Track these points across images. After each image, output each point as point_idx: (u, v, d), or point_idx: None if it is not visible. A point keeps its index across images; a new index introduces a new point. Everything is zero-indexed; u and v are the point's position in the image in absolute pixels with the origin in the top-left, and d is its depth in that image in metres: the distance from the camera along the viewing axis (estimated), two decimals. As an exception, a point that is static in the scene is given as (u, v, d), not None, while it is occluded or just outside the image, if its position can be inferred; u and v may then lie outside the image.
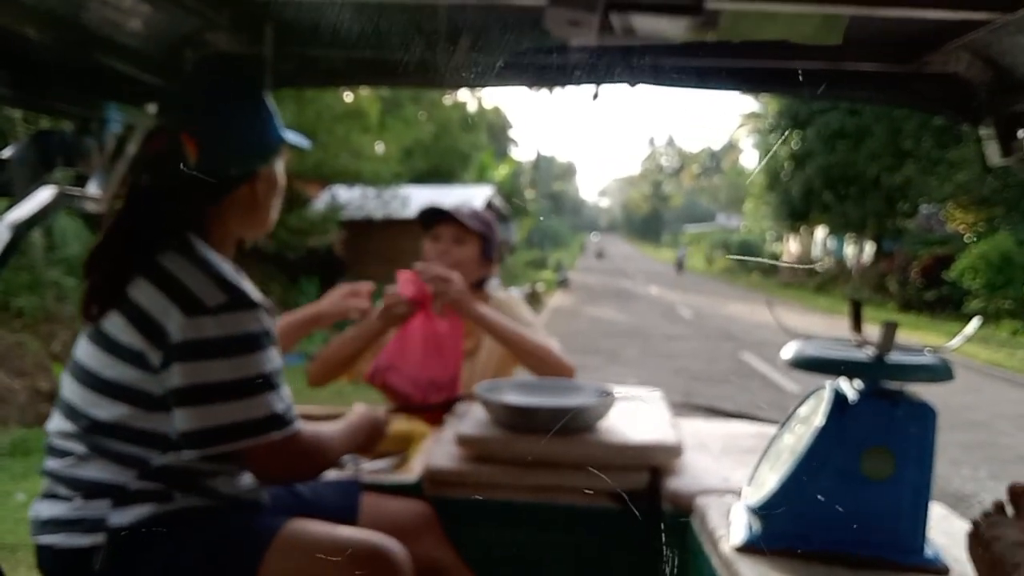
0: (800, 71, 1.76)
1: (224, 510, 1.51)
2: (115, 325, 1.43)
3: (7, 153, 1.51)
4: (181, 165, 1.46)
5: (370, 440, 1.79)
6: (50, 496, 1.47)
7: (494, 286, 2.68)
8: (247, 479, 1.56)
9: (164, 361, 1.38)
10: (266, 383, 1.41)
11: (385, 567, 1.46)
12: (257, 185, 1.58)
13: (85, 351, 1.49)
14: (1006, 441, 8.08)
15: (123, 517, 1.41)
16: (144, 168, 1.57)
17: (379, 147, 17.13)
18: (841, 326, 1.51)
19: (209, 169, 1.48)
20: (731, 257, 43.96)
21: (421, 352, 2.33)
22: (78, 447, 1.45)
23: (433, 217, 2.56)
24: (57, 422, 1.50)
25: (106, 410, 1.42)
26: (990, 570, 1.19)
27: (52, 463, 1.48)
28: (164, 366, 1.38)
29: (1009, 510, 1.20)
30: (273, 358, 1.45)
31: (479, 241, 2.54)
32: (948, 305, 21.38)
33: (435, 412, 2.27)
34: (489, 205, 22.84)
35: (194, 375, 1.38)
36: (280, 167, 1.65)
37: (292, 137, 1.66)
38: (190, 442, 1.41)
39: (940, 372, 1.32)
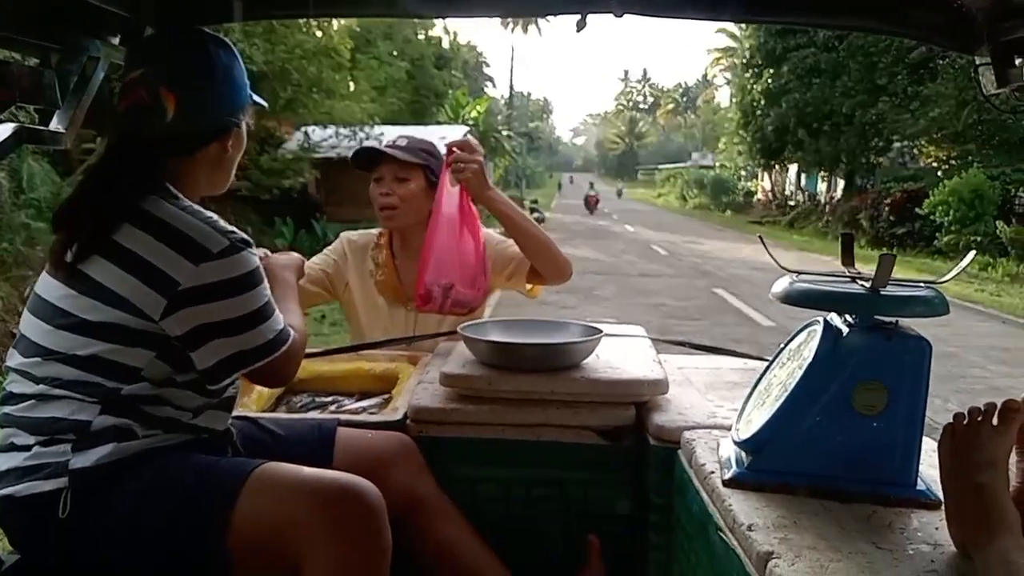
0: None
1: (192, 448, 1.51)
2: (102, 270, 1.42)
3: None
4: (162, 119, 1.50)
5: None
6: (7, 447, 1.43)
7: None
8: (213, 414, 1.57)
9: (169, 307, 1.41)
10: (267, 310, 1.51)
11: (357, 506, 1.44)
12: (228, 142, 1.62)
13: (56, 293, 1.45)
14: (976, 372, 8.25)
15: (85, 459, 1.38)
16: (123, 119, 1.55)
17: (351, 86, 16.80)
18: (813, 261, 1.49)
19: (187, 124, 1.53)
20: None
21: (459, 248, 2.28)
22: (38, 387, 1.42)
23: (368, 159, 2.46)
24: (17, 359, 1.48)
25: (83, 348, 1.41)
26: (950, 472, 1.20)
27: (8, 408, 1.45)
28: (169, 311, 1.41)
29: (995, 420, 1.20)
30: (267, 287, 1.53)
31: (423, 172, 2.43)
32: (920, 240, 21.64)
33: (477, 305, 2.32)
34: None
35: (205, 316, 1.43)
36: (244, 125, 1.68)
37: (256, 97, 1.71)
38: (212, 376, 1.48)
39: (937, 305, 1.31)
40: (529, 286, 2.50)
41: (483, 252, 2.33)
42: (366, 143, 16.17)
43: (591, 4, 1.66)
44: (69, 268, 1.44)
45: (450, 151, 2.25)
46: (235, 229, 1.49)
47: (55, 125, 1.59)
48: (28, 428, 1.42)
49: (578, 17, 1.69)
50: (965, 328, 10.73)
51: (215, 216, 1.49)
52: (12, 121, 1.50)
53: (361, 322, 2.56)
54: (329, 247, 2.65)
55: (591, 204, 40.28)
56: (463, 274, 2.28)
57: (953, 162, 23.09)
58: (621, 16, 1.70)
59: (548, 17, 1.76)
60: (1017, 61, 1.66)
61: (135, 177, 1.49)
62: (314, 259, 2.56)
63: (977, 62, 1.76)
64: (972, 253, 1.59)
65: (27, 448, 1.40)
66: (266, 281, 1.53)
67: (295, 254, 1.93)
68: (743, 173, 44.62)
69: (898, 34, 2.01)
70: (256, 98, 1.69)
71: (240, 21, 1.71)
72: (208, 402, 1.54)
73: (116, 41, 1.73)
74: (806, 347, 1.43)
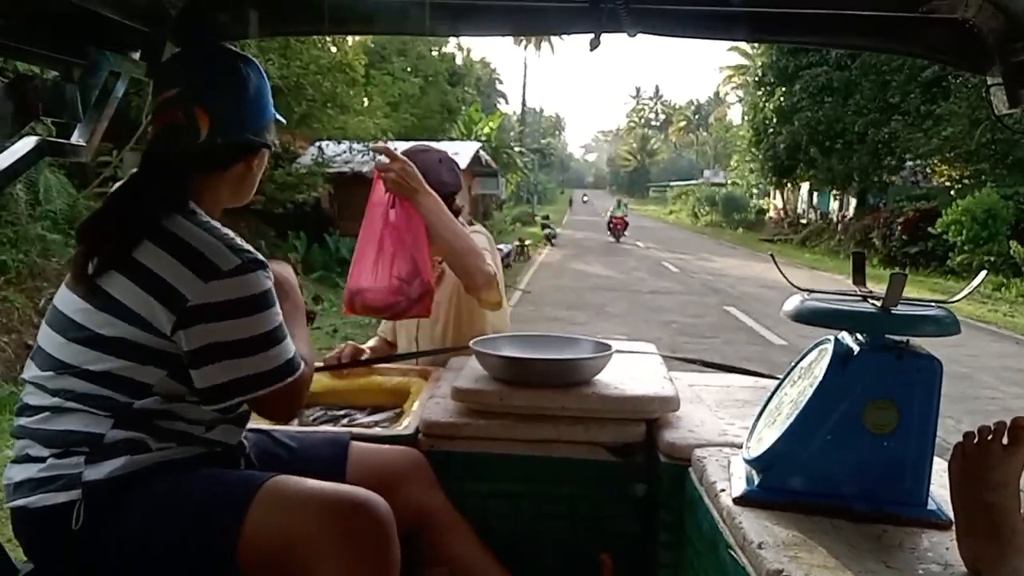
0: (806, 17, 1.72)
1: (204, 461, 1.51)
2: (117, 285, 1.43)
3: None
4: (196, 138, 1.52)
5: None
6: (22, 458, 1.45)
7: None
8: (226, 428, 1.57)
9: (178, 323, 1.41)
10: (278, 334, 1.48)
11: (366, 519, 1.46)
12: (254, 160, 1.64)
13: (75, 307, 1.47)
14: (989, 393, 8.19)
15: (99, 471, 1.39)
16: (156, 137, 1.57)
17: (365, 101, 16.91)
18: (824, 280, 1.50)
19: (219, 143, 1.55)
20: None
21: (379, 255, 2.27)
22: (54, 399, 1.44)
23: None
24: (33, 371, 1.49)
25: (96, 363, 1.42)
26: (960, 491, 1.21)
27: (24, 420, 1.47)
28: (178, 328, 1.41)
29: (1005, 440, 1.19)
30: (279, 311, 1.51)
31: None
32: (932, 259, 21.53)
33: (400, 307, 2.26)
34: (477, 159, 22.68)
35: (213, 335, 1.42)
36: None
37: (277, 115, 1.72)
38: (211, 397, 1.46)
39: (948, 325, 1.31)
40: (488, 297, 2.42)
41: (418, 259, 2.27)
42: (379, 157, 16.31)
43: (604, 24, 1.68)
44: (88, 281, 1.45)
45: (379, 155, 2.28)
46: (250, 248, 1.49)
47: (76, 138, 1.62)
48: (42, 440, 1.43)
49: (591, 36, 1.71)
50: (978, 348, 10.66)
51: (232, 234, 1.49)
52: (33, 134, 1.53)
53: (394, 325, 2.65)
54: None
55: (617, 229, 32.02)
56: (376, 279, 2.26)
57: (966, 181, 22.98)
58: (634, 36, 1.72)
59: (562, 36, 1.77)
60: (1030, 81, 1.66)
61: (161, 195, 1.50)
62: None
63: (989, 82, 1.76)
64: (983, 273, 1.59)
65: (41, 460, 1.42)
66: (278, 305, 1.51)
67: (287, 266, 1.84)
68: (755, 191, 44.55)
69: (910, 54, 2.02)
70: (277, 116, 1.70)
71: (257, 38, 1.73)
72: (221, 416, 1.54)
73: (137, 56, 1.76)
74: (817, 365, 1.43)
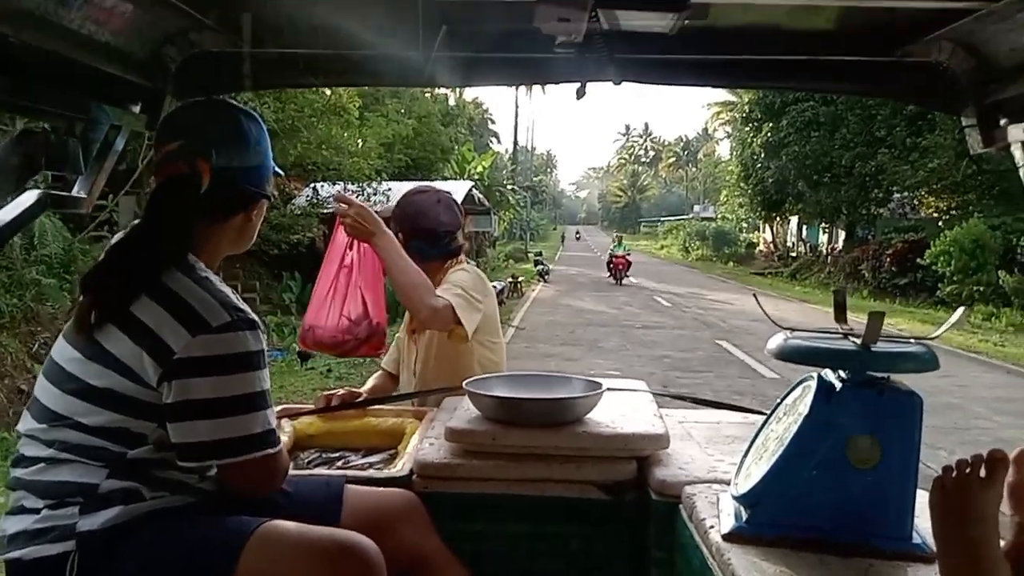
0: (784, 64, 1.78)
1: (197, 509, 1.52)
2: (112, 338, 1.45)
3: None
4: (197, 190, 1.54)
5: None
6: (16, 510, 1.46)
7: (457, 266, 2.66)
8: (210, 478, 1.57)
9: (164, 375, 1.42)
10: (258, 401, 1.48)
11: (357, 563, 1.48)
12: (254, 211, 1.67)
13: (68, 357, 1.49)
14: (981, 424, 8.21)
15: (92, 522, 1.41)
16: (158, 190, 1.59)
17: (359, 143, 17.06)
18: (815, 312, 1.54)
19: (220, 195, 1.58)
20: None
21: (333, 295, 2.40)
22: (48, 451, 1.45)
23: None
24: (28, 423, 1.51)
25: (89, 415, 1.44)
26: (941, 525, 1.22)
27: (19, 471, 1.48)
28: (163, 380, 1.43)
29: (982, 472, 1.22)
30: (266, 377, 1.51)
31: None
32: (921, 290, 21.67)
33: (348, 347, 2.40)
34: (470, 197, 22.82)
35: (193, 391, 1.43)
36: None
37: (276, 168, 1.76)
38: (184, 454, 1.46)
39: (926, 361, 1.35)
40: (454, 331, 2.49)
41: (369, 300, 2.40)
42: (374, 198, 16.46)
43: (591, 73, 1.75)
44: (88, 332, 1.47)
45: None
46: (244, 308, 1.51)
47: (77, 190, 1.67)
48: (37, 491, 1.45)
49: (578, 85, 1.78)
50: (969, 379, 10.70)
51: (228, 292, 1.52)
52: (35, 187, 1.58)
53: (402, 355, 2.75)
54: None
55: (619, 269, 27.89)
56: (327, 318, 2.39)
57: (953, 212, 23.24)
58: (619, 84, 1.78)
59: (549, 85, 1.84)
60: (1002, 122, 1.73)
61: (162, 248, 1.52)
62: None
63: (964, 123, 1.83)
64: (961, 309, 1.64)
65: (36, 511, 1.43)
66: (265, 372, 1.50)
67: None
68: (745, 225, 44.87)
69: (887, 97, 2.10)
70: (277, 169, 1.74)
71: (254, 90, 1.79)
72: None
73: (137, 109, 1.81)
74: (801, 402, 1.47)
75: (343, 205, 2.34)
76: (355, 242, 2.38)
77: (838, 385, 1.41)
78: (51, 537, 1.40)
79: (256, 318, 1.52)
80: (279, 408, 2.32)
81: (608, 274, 28.45)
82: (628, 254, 28.51)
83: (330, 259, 2.41)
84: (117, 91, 1.73)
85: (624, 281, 27.28)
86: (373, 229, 2.29)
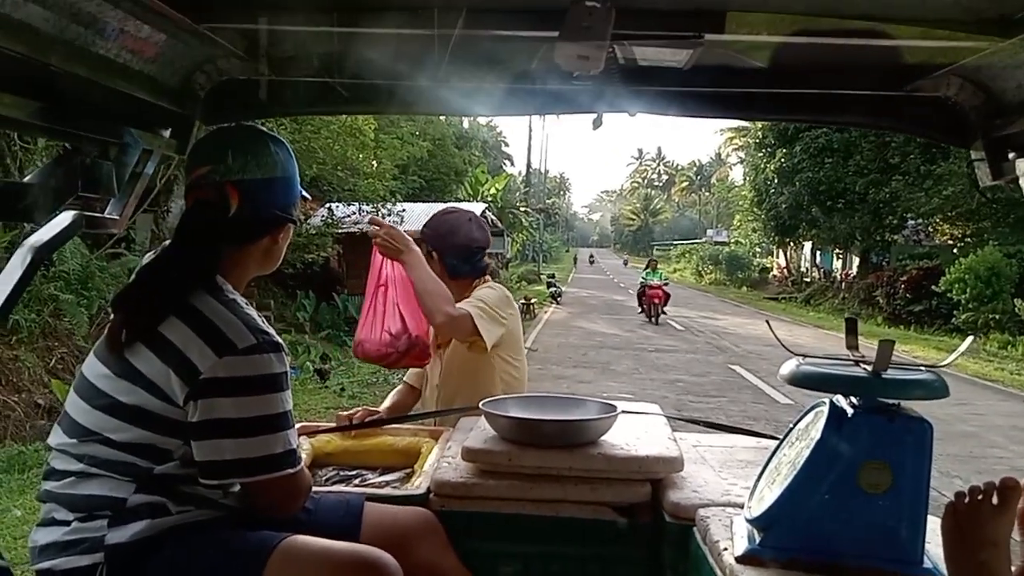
0: (795, 97, 1.82)
1: (222, 524, 1.56)
2: (141, 356, 1.50)
3: (30, 178, 1.55)
4: (225, 214, 1.59)
5: None
6: (47, 522, 1.51)
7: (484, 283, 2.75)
8: (235, 494, 1.60)
9: (190, 394, 1.47)
10: (280, 422, 1.52)
11: None
12: (280, 235, 1.71)
13: (99, 374, 1.54)
14: (997, 453, 8.15)
15: (121, 534, 1.45)
16: (187, 213, 1.64)
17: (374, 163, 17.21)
18: (828, 338, 1.56)
19: (247, 219, 1.62)
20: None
21: (374, 311, 2.51)
22: (78, 465, 1.50)
23: None
24: (59, 438, 1.55)
25: (118, 431, 1.49)
26: (952, 550, 1.25)
27: (50, 484, 1.53)
28: (189, 399, 1.47)
29: (994, 499, 1.25)
30: (289, 399, 1.55)
31: (423, 244, 2.65)
32: (936, 317, 21.54)
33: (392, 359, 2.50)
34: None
35: (218, 410, 1.47)
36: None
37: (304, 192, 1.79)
38: (207, 472, 1.50)
39: (936, 389, 1.37)
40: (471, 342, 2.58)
41: (406, 315, 2.49)
42: (388, 219, 16.58)
43: (607, 104, 1.79)
44: (119, 350, 1.52)
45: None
46: (270, 331, 1.55)
47: (110, 212, 1.72)
48: (67, 504, 1.49)
49: (594, 116, 1.82)
50: (985, 407, 10.62)
51: (255, 315, 1.57)
52: (72, 208, 1.63)
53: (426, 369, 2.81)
54: None
55: (655, 303, 21.43)
56: (372, 333, 2.51)
57: (968, 239, 23.15)
58: (635, 115, 1.83)
59: (567, 115, 1.89)
60: (1010, 155, 1.76)
61: (191, 270, 1.57)
62: None
63: (972, 156, 1.86)
64: (971, 338, 1.66)
65: (66, 523, 1.48)
66: (287, 394, 1.55)
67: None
68: (758, 250, 44.78)
69: (897, 130, 2.14)
70: (304, 192, 1.78)
71: (277, 116, 1.84)
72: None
73: (167, 134, 1.87)
74: (813, 427, 1.49)
75: (375, 227, 2.48)
76: (389, 262, 2.49)
77: (849, 411, 1.43)
78: (81, 549, 1.45)
79: (280, 340, 1.56)
80: (297, 426, 2.37)
81: (640, 310, 22.57)
82: (666, 284, 22.34)
83: (371, 277, 2.53)
84: (149, 117, 1.79)
85: (660, 320, 21.36)
86: (401, 247, 2.42)
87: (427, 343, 2.55)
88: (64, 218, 1.60)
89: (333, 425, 2.40)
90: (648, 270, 22.97)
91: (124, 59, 1.57)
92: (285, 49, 1.85)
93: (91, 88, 1.52)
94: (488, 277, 2.77)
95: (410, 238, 2.47)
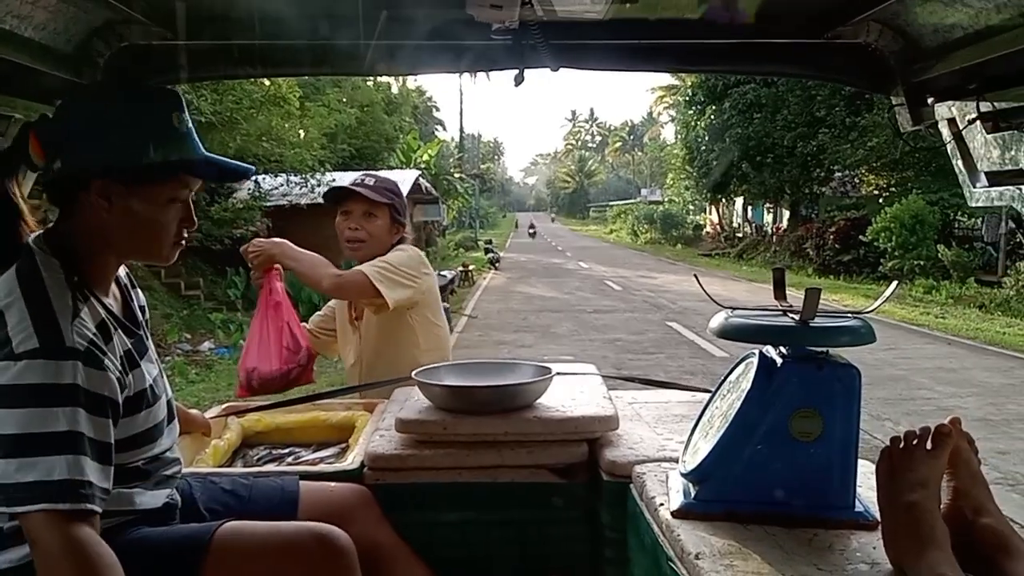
0: (715, 47, 1.80)
1: (135, 525, 1.43)
2: None
3: None
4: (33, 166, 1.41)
5: None
6: None
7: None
8: (148, 495, 1.47)
9: None
10: (66, 442, 1.22)
11: (329, 552, 1.47)
12: (112, 195, 1.38)
13: None
14: (925, 394, 8.46)
15: (7, 558, 1.29)
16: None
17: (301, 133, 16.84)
18: (761, 291, 1.57)
19: (57, 171, 1.38)
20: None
21: (266, 333, 2.48)
22: None
23: (342, 196, 2.67)
24: None
25: None
26: (886, 492, 1.27)
27: None
28: None
29: (928, 444, 1.27)
30: (81, 418, 1.24)
31: (388, 210, 2.67)
32: (864, 266, 22.21)
33: (293, 375, 2.48)
34: (417, 187, 22.70)
35: None
36: (177, 187, 1.46)
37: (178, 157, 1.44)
38: None
39: (863, 335, 1.38)
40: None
41: (295, 329, 2.51)
42: (318, 189, 16.27)
43: (528, 60, 1.74)
44: None
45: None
46: (65, 335, 1.26)
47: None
48: None
49: (516, 72, 1.77)
50: (912, 351, 11.02)
51: (63, 310, 1.29)
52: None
53: (339, 341, 2.82)
54: None
55: None
56: (268, 353, 2.47)
57: (893, 189, 23.82)
58: (557, 70, 1.78)
59: (488, 73, 1.83)
60: (928, 100, 1.77)
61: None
62: None
63: (892, 102, 1.87)
64: (894, 283, 1.68)
65: None
66: (83, 411, 1.25)
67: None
68: (691, 207, 45.39)
69: (819, 79, 2.14)
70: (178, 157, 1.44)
71: (186, 83, 1.74)
72: (140, 483, 1.45)
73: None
74: (744, 379, 1.49)
75: (245, 252, 2.50)
76: (273, 279, 2.47)
77: (779, 361, 1.44)
78: None
79: (78, 346, 1.26)
80: (224, 406, 2.30)
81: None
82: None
83: (261, 302, 2.51)
84: (44, 86, 1.67)
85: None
86: (269, 248, 2.45)
87: (314, 356, 2.60)
88: None
89: (261, 403, 2.33)
90: None
91: (11, 25, 1.46)
92: (190, 10, 1.75)
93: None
94: (404, 238, 2.75)
95: (269, 240, 2.51)
